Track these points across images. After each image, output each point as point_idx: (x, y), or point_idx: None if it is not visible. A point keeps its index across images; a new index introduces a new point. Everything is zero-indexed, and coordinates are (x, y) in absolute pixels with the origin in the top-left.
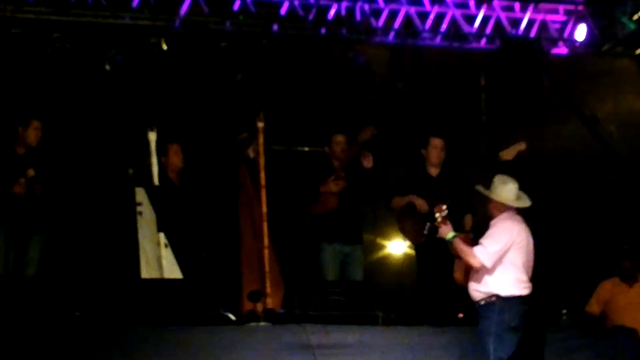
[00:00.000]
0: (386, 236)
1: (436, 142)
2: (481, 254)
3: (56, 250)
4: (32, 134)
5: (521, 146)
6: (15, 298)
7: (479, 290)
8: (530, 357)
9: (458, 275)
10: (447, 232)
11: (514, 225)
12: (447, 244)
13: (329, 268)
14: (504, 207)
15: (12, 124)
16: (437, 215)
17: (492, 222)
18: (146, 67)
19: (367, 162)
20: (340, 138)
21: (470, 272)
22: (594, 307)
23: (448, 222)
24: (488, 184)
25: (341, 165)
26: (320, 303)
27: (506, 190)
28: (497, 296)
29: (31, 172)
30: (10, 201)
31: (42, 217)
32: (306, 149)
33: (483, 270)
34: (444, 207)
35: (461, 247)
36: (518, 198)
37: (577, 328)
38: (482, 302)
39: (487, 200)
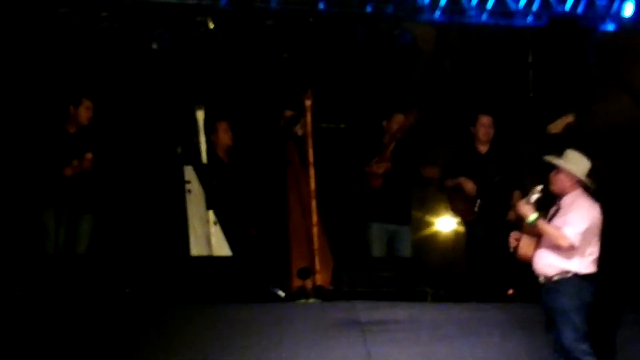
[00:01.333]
0: (435, 213)
1: (484, 120)
2: (572, 234)
3: (107, 229)
4: (84, 113)
5: (569, 118)
6: (66, 276)
7: (554, 265)
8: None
9: (525, 251)
10: (531, 213)
11: (594, 204)
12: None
13: (376, 246)
14: (577, 183)
15: (63, 103)
16: (534, 196)
17: (569, 200)
18: (193, 46)
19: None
20: (400, 117)
21: (542, 247)
22: None
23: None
24: (540, 160)
25: (390, 145)
26: (369, 280)
27: (582, 165)
28: (576, 273)
29: (89, 156)
30: (60, 180)
31: (92, 196)
32: (353, 126)
33: (562, 247)
34: (540, 187)
35: (547, 227)
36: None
37: None
38: (556, 278)
39: (560, 173)
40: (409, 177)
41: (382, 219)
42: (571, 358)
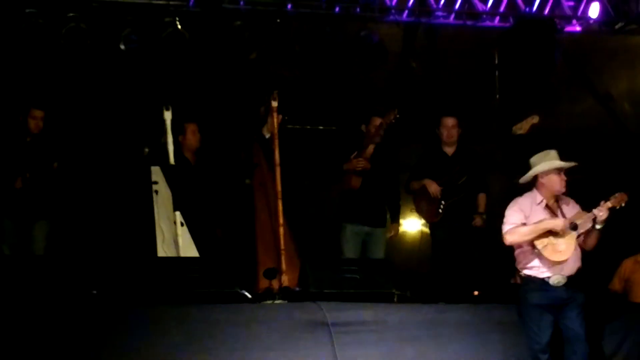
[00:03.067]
0: (401, 214)
1: (447, 122)
2: None
3: (73, 230)
4: (32, 123)
5: (534, 119)
6: (30, 278)
7: (578, 266)
8: None
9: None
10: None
11: None
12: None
13: (349, 247)
14: None
15: (15, 112)
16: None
17: (568, 201)
18: (161, 47)
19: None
20: (378, 121)
21: (577, 248)
22: (616, 284)
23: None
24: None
25: (368, 146)
26: (336, 281)
27: None
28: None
29: (54, 165)
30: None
31: (46, 202)
32: (320, 127)
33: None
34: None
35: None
36: None
37: None
38: (575, 274)
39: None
40: (386, 180)
41: (357, 220)
42: (579, 341)
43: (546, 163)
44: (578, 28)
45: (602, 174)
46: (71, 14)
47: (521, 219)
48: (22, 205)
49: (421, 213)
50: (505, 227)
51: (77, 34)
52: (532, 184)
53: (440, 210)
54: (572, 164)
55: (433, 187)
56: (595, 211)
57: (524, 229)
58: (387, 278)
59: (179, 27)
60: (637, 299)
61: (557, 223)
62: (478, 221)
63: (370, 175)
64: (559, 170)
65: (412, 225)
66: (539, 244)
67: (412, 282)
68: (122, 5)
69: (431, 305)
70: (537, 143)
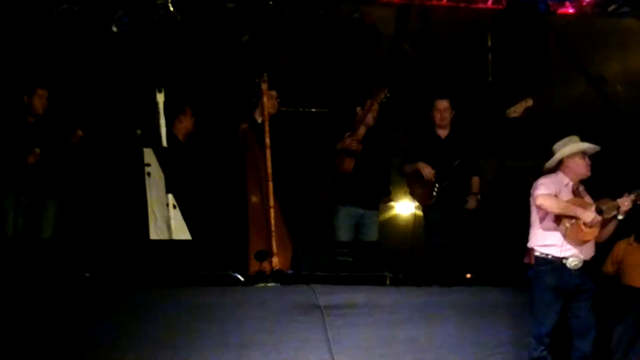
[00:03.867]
0: (394, 197)
1: (440, 104)
2: None
3: (66, 213)
4: (38, 102)
5: (528, 102)
6: (24, 260)
7: (593, 253)
8: None
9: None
10: None
11: None
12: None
13: (343, 230)
14: None
15: (18, 93)
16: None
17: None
18: (153, 29)
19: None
20: (376, 106)
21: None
22: (609, 267)
23: None
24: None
25: (363, 128)
26: (328, 264)
27: None
28: None
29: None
30: (22, 168)
31: (56, 182)
32: (313, 110)
33: None
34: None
35: None
36: None
37: None
38: (589, 260)
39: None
40: (379, 162)
41: (350, 203)
42: (587, 327)
43: (572, 146)
44: (571, 10)
45: (596, 157)
46: None
47: (555, 191)
48: (34, 184)
49: (415, 196)
50: (541, 191)
51: (69, 16)
52: (554, 169)
53: (434, 193)
54: (597, 147)
55: (427, 170)
56: (620, 201)
57: (559, 202)
58: (379, 261)
59: (172, 9)
60: (629, 282)
61: (590, 215)
62: (472, 202)
63: (363, 158)
64: (583, 154)
65: (405, 208)
66: (567, 221)
67: (405, 265)
68: None
69: (424, 288)
70: (530, 126)
